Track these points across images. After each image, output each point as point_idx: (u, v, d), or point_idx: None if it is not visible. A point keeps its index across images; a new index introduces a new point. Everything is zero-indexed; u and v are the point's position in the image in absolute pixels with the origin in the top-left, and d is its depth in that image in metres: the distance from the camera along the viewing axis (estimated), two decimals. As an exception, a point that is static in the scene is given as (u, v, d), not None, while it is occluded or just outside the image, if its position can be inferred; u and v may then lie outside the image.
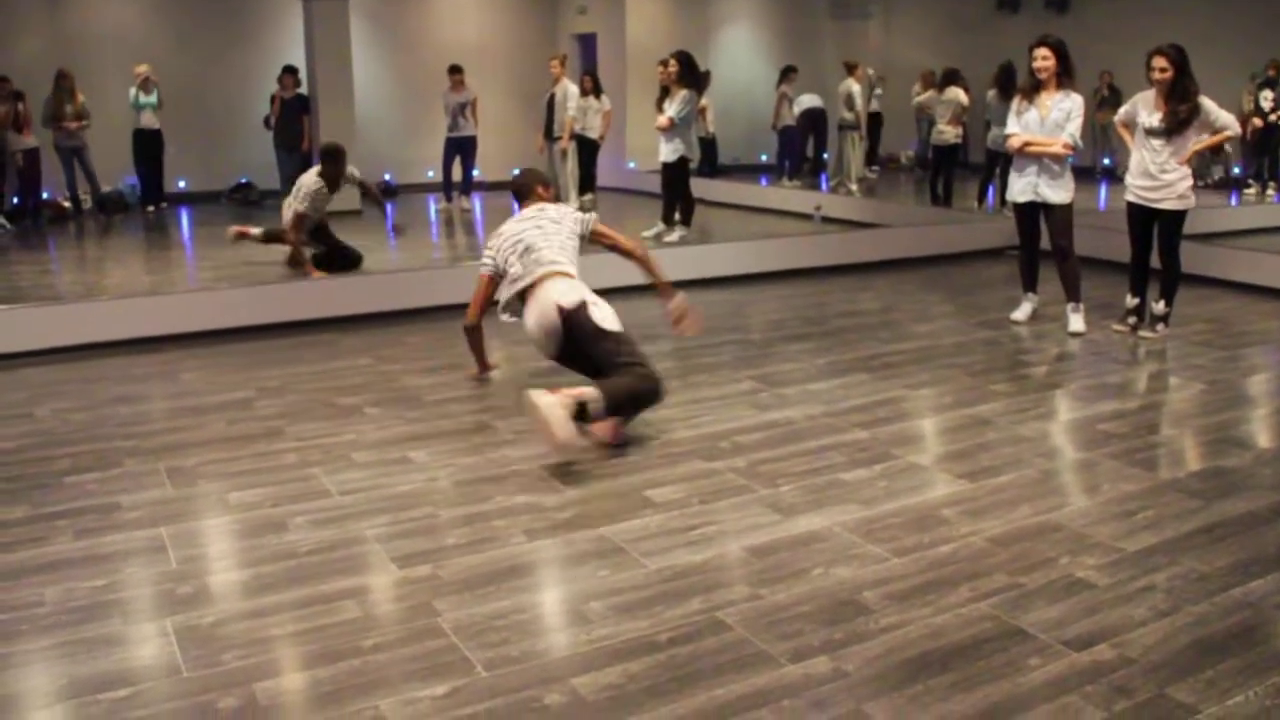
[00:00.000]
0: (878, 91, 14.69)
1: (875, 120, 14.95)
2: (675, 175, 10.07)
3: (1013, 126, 6.99)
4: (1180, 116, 6.49)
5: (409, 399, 5.63)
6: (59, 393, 5.87)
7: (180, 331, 6.94)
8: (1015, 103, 7.04)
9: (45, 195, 12.39)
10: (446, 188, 13.01)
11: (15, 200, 12.05)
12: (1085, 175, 7.45)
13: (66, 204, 12.53)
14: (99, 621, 3.31)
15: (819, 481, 4.43)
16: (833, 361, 6.34)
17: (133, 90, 12.34)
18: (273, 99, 12.55)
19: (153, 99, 12.38)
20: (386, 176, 14.76)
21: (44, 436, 5.11)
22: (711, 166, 14.09)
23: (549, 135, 11.94)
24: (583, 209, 12.37)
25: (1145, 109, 6.65)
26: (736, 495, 4.28)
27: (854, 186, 12.98)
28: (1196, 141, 6.59)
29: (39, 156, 12.02)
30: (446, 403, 5.56)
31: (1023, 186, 7.02)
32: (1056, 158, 6.84)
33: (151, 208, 12.63)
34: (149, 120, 12.53)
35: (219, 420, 5.28)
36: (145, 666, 3.06)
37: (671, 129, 9.76)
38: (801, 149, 14.41)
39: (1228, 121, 6.60)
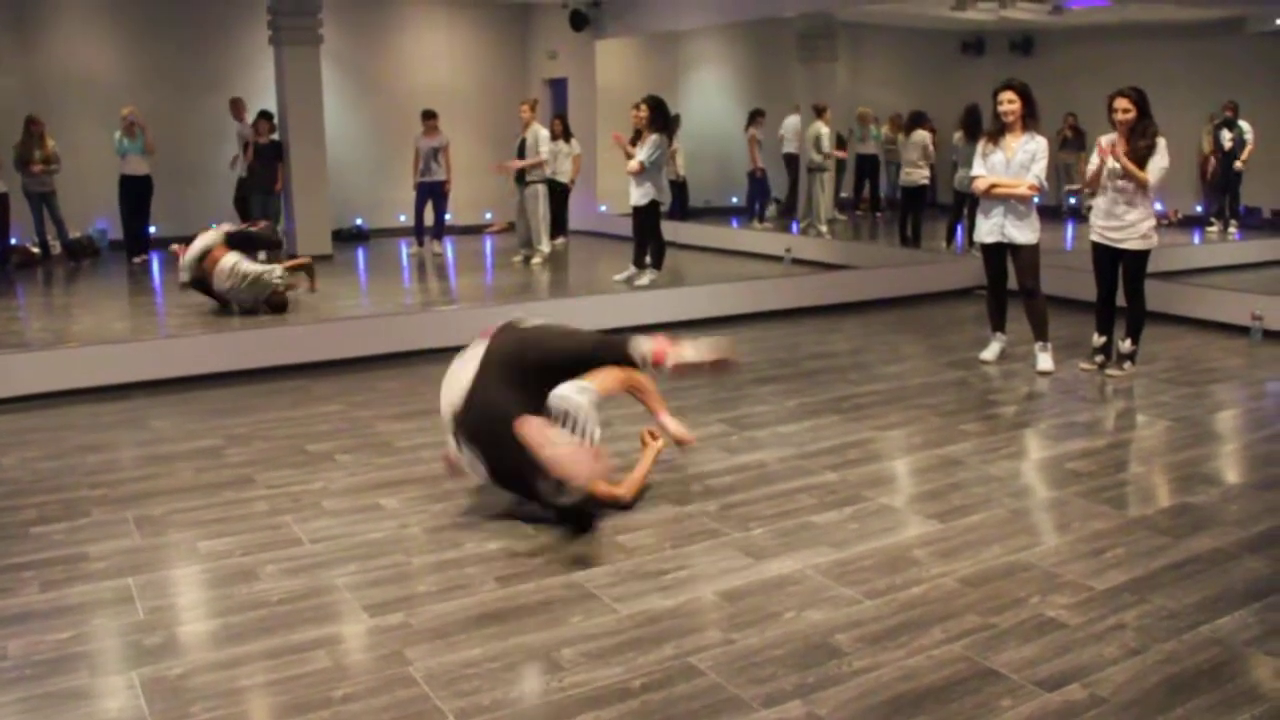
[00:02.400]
0: (874, 132, 14.83)
1: (870, 162, 15.06)
2: (646, 218, 10.11)
3: (978, 168, 7.08)
4: (1140, 154, 6.59)
5: (380, 445, 5.60)
6: (25, 441, 5.81)
7: (149, 378, 6.90)
8: (981, 145, 7.13)
9: (13, 241, 12.31)
10: (418, 232, 13.01)
11: (-19, 246, 11.96)
12: (1051, 215, 7.54)
13: (35, 249, 12.45)
14: (65, 675, 3.27)
15: (790, 524, 4.43)
16: (803, 403, 6.36)
17: (117, 134, 12.20)
18: (245, 144, 12.53)
19: (139, 143, 12.22)
20: (358, 220, 14.78)
21: (10, 486, 5.05)
22: (682, 209, 14.16)
23: (519, 181, 11.99)
24: (555, 251, 12.48)
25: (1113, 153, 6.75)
26: (708, 539, 4.28)
27: (824, 228, 13.07)
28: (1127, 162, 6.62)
29: (7, 201, 11.94)
30: (418, 449, 5.54)
31: (989, 227, 7.10)
32: (1023, 199, 6.93)
33: (138, 259, 12.37)
34: (135, 165, 12.21)
35: (188, 468, 5.24)
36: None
37: (642, 173, 9.82)
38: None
39: (1155, 169, 6.63)
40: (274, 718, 3.02)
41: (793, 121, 13.75)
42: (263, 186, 12.48)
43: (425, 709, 3.04)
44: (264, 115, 12.45)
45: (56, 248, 12.61)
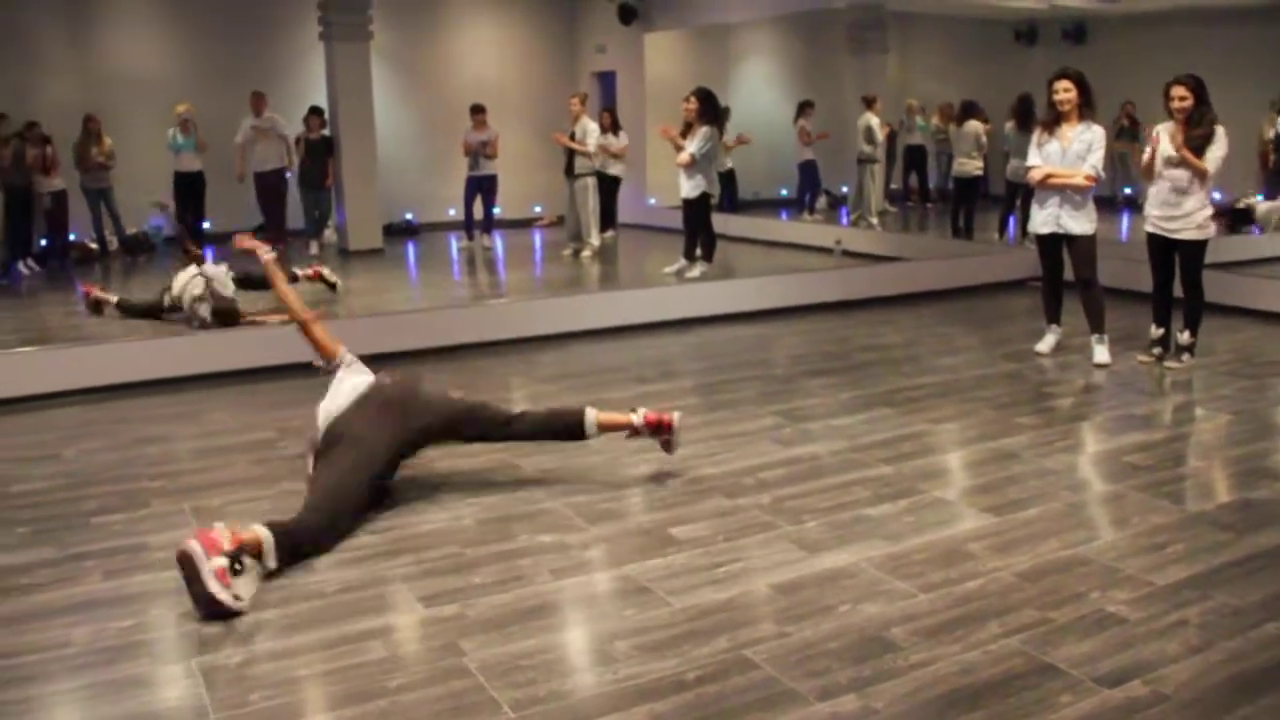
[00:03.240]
0: (921, 123, 14.72)
1: (918, 153, 14.94)
2: (697, 211, 10.09)
3: (1034, 159, 6.99)
4: (1198, 143, 6.48)
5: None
6: (87, 433, 5.91)
7: (205, 372, 6.99)
8: (1036, 135, 7.04)
9: (72, 237, 12.52)
10: (468, 226, 13.08)
11: (43, 242, 12.18)
12: (1107, 205, 7.43)
13: (93, 245, 12.66)
14: (127, 662, 3.32)
15: (844, 517, 4.41)
16: (856, 396, 6.33)
17: (171, 131, 12.35)
18: (298, 140, 12.64)
19: (192, 141, 12.40)
20: (408, 215, 14.86)
21: (72, 477, 5.14)
22: (731, 201, 14.12)
23: (569, 173, 12.00)
24: (604, 245, 12.49)
25: (1166, 139, 6.64)
26: (761, 532, 4.27)
27: (874, 220, 12.98)
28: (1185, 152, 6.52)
29: (66, 199, 12.16)
30: (471, 440, 5.55)
31: (1044, 218, 7.01)
32: (1079, 189, 6.83)
33: (195, 248, 12.52)
34: (188, 162, 12.42)
35: (244, 460, 5.31)
36: (172, 708, 3.07)
37: (693, 165, 9.80)
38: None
39: (1213, 158, 6.53)
40: (330, 707, 3.05)
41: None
42: (313, 182, 12.60)
43: (480, 700, 3.06)
44: (314, 111, 12.56)
45: (113, 243, 12.82)
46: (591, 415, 4.82)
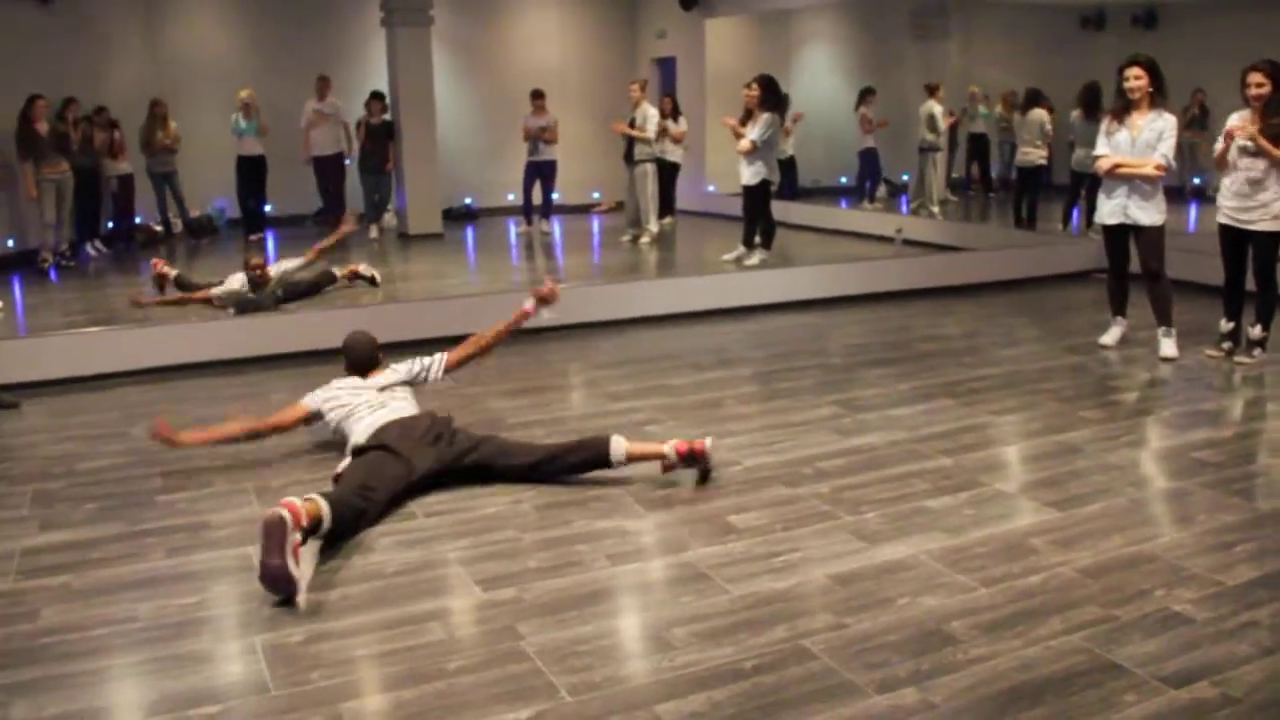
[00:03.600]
0: (983, 111, 14.53)
1: (980, 141, 14.77)
2: (757, 198, 10.05)
3: (1102, 148, 6.87)
4: (1275, 132, 6.33)
5: (492, 422, 5.66)
6: (152, 412, 5.99)
7: (266, 353, 7.09)
8: (1104, 123, 6.92)
9: (138, 219, 12.73)
10: (526, 211, 13.12)
11: (110, 224, 12.40)
12: (1175, 196, 7.28)
13: (158, 228, 12.87)
14: (190, 638, 3.38)
15: (903, 509, 4.37)
16: (916, 387, 6.27)
17: (234, 115, 12.53)
18: (359, 124, 12.75)
19: (254, 124, 12.54)
20: (467, 200, 14.94)
21: (137, 455, 5.23)
22: (791, 189, 14.04)
23: (628, 159, 11.99)
24: (663, 231, 12.47)
25: (1241, 127, 6.49)
26: (820, 522, 4.24)
27: (936, 209, 12.85)
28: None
29: (132, 182, 12.38)
30: (530, 425, 5.59)
31: (1112, 208, 6.89)
32: (1148, 179, 6.71)
33: (254, 236, 12.69)
34: (250, 146, 12.58)
35: (305, 441, 5.35)
36: (234, 684, 3.11)
37: (754, 152, 9.75)
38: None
39: None
40: (389, 687, 3.08)
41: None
42: (374, 166, 12.71)
43: (538, 684, 3.07)
44: (375, 95, 12.66)
45: (178, 226, 13.03)
46: (619, 444, 4.67)
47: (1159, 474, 4.90)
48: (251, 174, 12.68)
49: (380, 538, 4.13)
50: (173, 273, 8.94)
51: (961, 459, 4.97)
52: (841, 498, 4.50)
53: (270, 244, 12.44)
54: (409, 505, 4.47)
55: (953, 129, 13.94)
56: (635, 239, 11.99)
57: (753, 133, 9.71)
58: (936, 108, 12.69)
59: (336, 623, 3.46)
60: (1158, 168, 6.63)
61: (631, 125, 11.93)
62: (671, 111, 12.79)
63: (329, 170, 12.81)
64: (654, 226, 12.09)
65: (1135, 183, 6.75)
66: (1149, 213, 6.77)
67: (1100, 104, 9.95)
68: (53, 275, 10.53)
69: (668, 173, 12.83)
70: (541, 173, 12.90)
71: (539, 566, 3.86)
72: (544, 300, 5.58)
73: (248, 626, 3.45)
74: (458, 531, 4.19)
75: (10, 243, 10.88)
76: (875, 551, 3.95)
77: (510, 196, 14.41)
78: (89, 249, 11.63)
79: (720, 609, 3.51)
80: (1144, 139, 6.66)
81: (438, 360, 5.37)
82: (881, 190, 14.36)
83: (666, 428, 5.50)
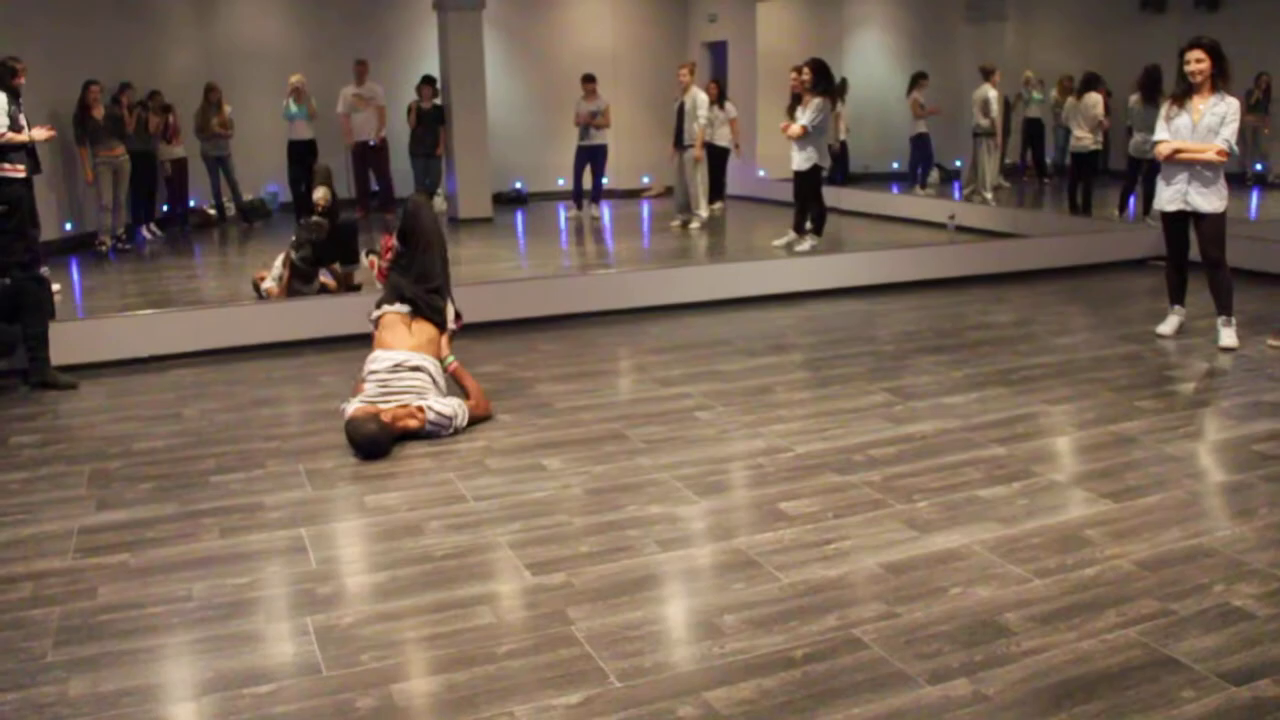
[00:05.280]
0: (1037, 96, 14.30)
1: (1035, 126, 14.54)
2: (808, 184, 9.98)
3: (1161, 133, 6.75)
4: None
5: (541, 406, 5.68)
6: (205, 394, 6.08)
7: (317, 336, 7.15)
8: (1165, 108, 6.79)
9: (192, 203, 12.88)
10: (577, 195, 13.13)
11: (165, 208, 12.55)
12: (1237, 182, 7.12)
13: (211, 211, 13.02)
14: (243, 618, 3.42)
15: (956, 498, 4.33)
16: (968, 374, 6.20)
17: (286, 100, 12.61)
18: (410, 109, 12.80)
19: (304, 109, 12.60)
20: (518, 184, 14.96)
21: (191, 436, 5.30)
22: (843, 174, 13.94)
23: (679, 144, 11.95)
24: (713, 216, 12.43)
25: None
26: (871, 510, 4.21)
27: (989, 195, 12.69)
28: None
29: (187, 166, 12.52)
30: (578, 410, 5.60)
31: (1171, 195, 6.77)
32: (1209, 164, 6.58)
33: (302, 221, 12.76)
34: (302, 130, 12.65)
35: (357, 424, 5.39)
36: (286, 663, 3.14)
37: (805, 137, 9.68)
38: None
39: None
40: (439, 670, 3.09)
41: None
42: (425, 151, 12.77)
43: (588, 669, 3.07)
44: (427, 80, 12.70)
45: (231, 210, 13.15)
46: None
47: (1218, 466, 4.81)
48: (302, 158, 12.73)
49: (429, 520, 4.15)
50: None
51: (1015, 448, 4.92)
52: (893, 486, 4.46)
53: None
54: (458, 487, 4.49)
55: (1006, 114, 13.74)
56: (685, 224, 11.96)
57: (804, 117, 9.64)
58: (992, 92, 12.53)
59: (386, 605, 3.48)
60: (1220, 153, 6.50)
61: (680, 113, 11.81)
62: (718, 97, 12.74)
63: (372, 156, 12.87)
64: (704, 211, 12.05)
65: (1196, 169, 6.62)
66: (1210, 200, 6.65)
67: (1160, 88, 9.77)
68: (111, 258, 10.69)
69: (718, 158, 12.79)
70: (592, 157, 12.90)
71: (589, 551, 3.86)
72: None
73: (300, 607, 3.48)
74: (508, 515, 4.21)
75: (68, 226, 11.04)
76: (927, 540, 3.92)
77: (560, 181, 14.43)
78: (144, 232, 11.79)
79: (771, 596, 3.50)
80: (1205, 123, 6.53)
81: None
82: (933, 176, 14.22)
83: (717, 413, 5.49)
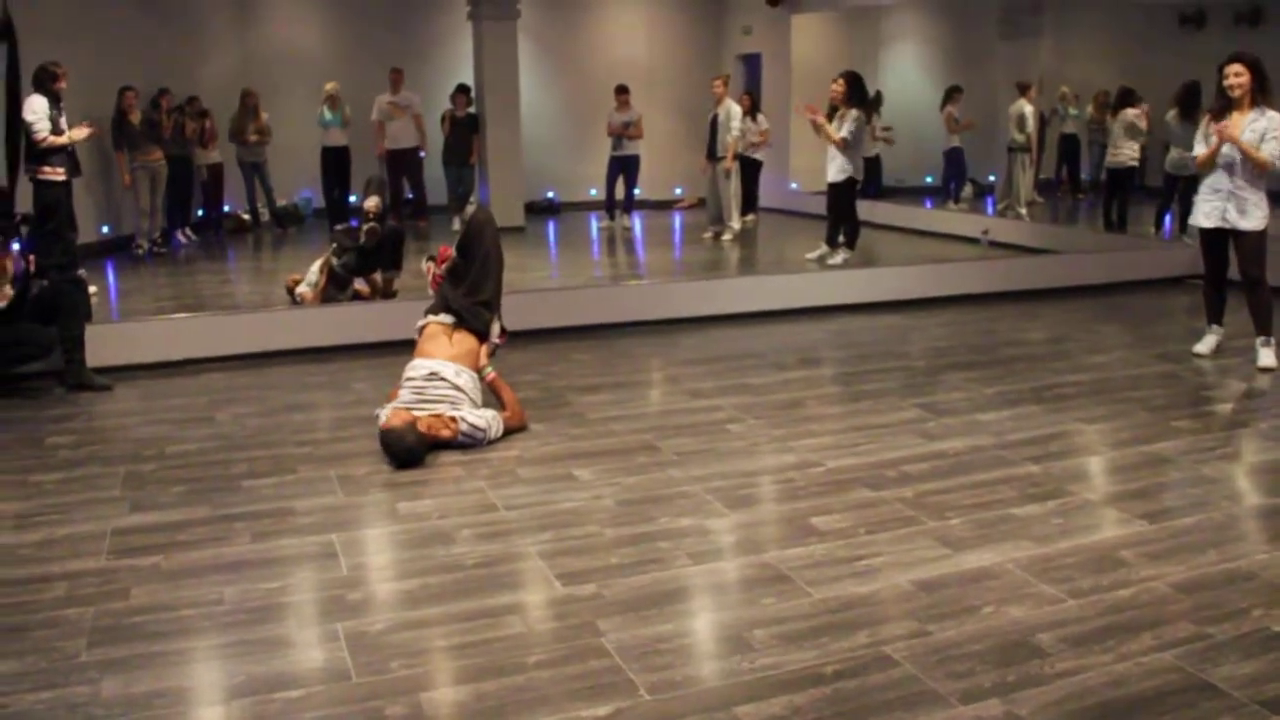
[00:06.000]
0: (1073, 111, 14.23)
1: (1071, 142, 14.47)
2: (842, 196, 9.96)
3: (1200, 148, 6.69)
4: None
5: (573, 416, 5.69)
6: (237, 398, 6.12)
7: (350, 342, 7.20)
8: (1203, 124, 6.73)
9: (226, 208, 12.98)
10: (609, 206, 13.15)
11: (200, 213, 12.66)
12: (1276, 200, 7.03)
13: (246, 216, 13.11)
14: (274, 622, 3.43)
15: (989, 516, 4.30)
16: (1002, 391, 6.16)
17: (321, 108, 12.66)
18: (444, 117, 12.85)
19: (338, 116, 12.65)
20: (550, 194, 15.00)
21: (224, 440, 5.33)
22: (876, 188, 13.90)
23: (712, 156, 11.94)
24: (745, 228, 12.42)
25: None
26: (904, 526, 4.19)
27: (1023, 210, 12.62)
28: None
29: (222, 171, 12.63)
30: (610, 421, 5.60)
31: (1210, 211, 6.70)
32: (1250, 181, 6.49)
33: (340, 227, 12.76)
34: (336, 137, 12.70)
35: (388, 430, 5.41)
36: (317, 669, 3.15)
37: (844, 149, 9.66)
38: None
39: None
40: (469, 679, 3.09)
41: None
42: (458, 159, 12.81)
43: (617, 681, 3.06)
44: (461, 89, 12.75)
45: (265, 215, 13.24)
46: None
47: (1256, 489, 4.75)
48: (336, 165, 12.79)
49: (460, 529, 4.16)
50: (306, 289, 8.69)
51: (1049, 466, 4.88)
52: (925, 502, 4.43)
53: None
54: (489, 496, 4.50)
55: (1041, 129, 13.65)
56: (717, 236, 11.95)
57: (843, 129, 9.62)
58: (1027, 107, 12.47)
59: (416, 612, 3.49)
60: (1263, 163, 6.37)
61: (713, 125, 11.80)
62: (750, 109, 12.74)
63: (406, 164, 12.90)
64: (736, 224, 12.04)
65: (1236, 184, 6.55)
66: (1250, 217, 6.57)
67: (1198, 104, 9.69)
68: (147, 261, 10.78)
69: (750, 170, 12.79)
70: (625, 168, 12.93)
71: (620, 563, 3.86)
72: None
73: (330, 613, 3.49)
74: (539, 525, 4.21)
75: (105, 229, 11.16)
76: (960, 558, 3.89)
77: (593, 191, 14.46)
78: (180, 236, 11.89)
79: (801, 612, 3.48)
80: (1245, 139, 6.46)
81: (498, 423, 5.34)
82: (967, 190, 14.16)
83: (748, 426, 5.48)
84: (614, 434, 5.36)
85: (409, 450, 4.88)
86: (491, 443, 5.19)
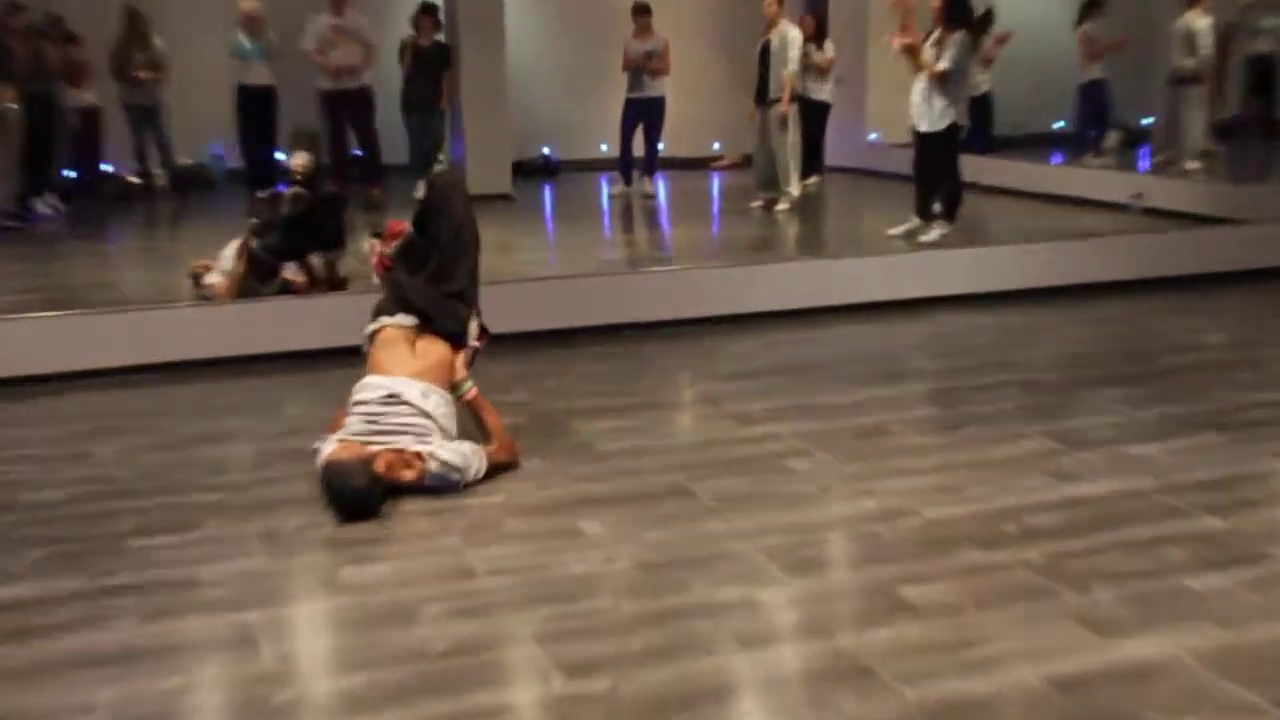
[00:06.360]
0: (1266, 23, 13.90)
1: (1263, 66, 14.19)
2: (940, 150, 9.92)
3: None
4: None
5: (578, 448, 5.68)
6: (124, 426, 6.12)
7: (279, 350, 7.20)
8: None
9: (107, 168, 12.99)
10: (624, 165, 13.16)
11: (69, 173, 12.64)
12: None
13: (134, 179, 13.13)
14: (170, 736, 3.41)
15: (1152, 587, 4.24)
16: (1166, 414, 6.12)
17: (237, 33, 12.63)
18: (404, 47, 12.82)
19: (260, 46, 12.60)
20: (545, 150, 15.03)
21: (105, 484, 5.33)
22: (985, 137, 13.87)
23: (762, 98, 11.92)
24: (806, 195, 12.40)
25: None
26: (1030, 601, 4.14)
27: (1194, 164, 12.56)
28: None
29: (99, 117, 12.60)
30: (628, 455, 5.59)
31: None
32: None
33: (263, 194, 12.85)
34: (258, 74, 12.67)
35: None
36: (229, 802, 3.12)
37: (942, 86, 9.61)
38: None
39: None
40: (439, 811, 3.06)
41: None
42: (423, 103, 12.72)
43: (641, 814, 3.04)
44: (427, 10, 12.76)
45: (160, 177, 13.25)
46: None
47: None
48: (258, 110, 12.76)
49: (426, 603, 4.13)
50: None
51: (1238, 520, 4.82)
52: (1060, 568, 4.39)
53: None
54: (467, 557, 4.47)
55: (1223, 52, 13.51)
56: (768, 205, 11.96)
57: (943, 60, 9.59)
58: (1200, 21, 12.40)
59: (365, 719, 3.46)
60: None
61: (764, 55, 11.77)
62: (814, 34, 12.73)
63: (352, 110, 12.82)
64: (794, 189, 12.04)
65: None
66: None
67: None
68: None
69: (814, 117, 12.78)
70: (646, 114, 12.94)
71: (642, 648, 3.83)
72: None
73: (248, 720, 3.47)
74: (533, 596, 4.18)
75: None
76: (1112, 647, 3.85)
77: (603, 147, 14.50)
78: (40, 205, 11.87)
79: (890, 717, 3.44)
80: None
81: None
82: (1112, 138, 14.13)
83: (814, 462, 5.45)
84: (633, 473, 5.35)
85: (359, 495, 4.85)
86: (470, 485, 5.17)
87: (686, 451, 5.68)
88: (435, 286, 5.55)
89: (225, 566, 4.45)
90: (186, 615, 4.09)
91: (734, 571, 4.38)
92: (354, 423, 5.14)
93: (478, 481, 5.20)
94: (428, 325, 5.47)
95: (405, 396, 5.19)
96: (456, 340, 5.53)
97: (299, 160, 8.33)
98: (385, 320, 5.52)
